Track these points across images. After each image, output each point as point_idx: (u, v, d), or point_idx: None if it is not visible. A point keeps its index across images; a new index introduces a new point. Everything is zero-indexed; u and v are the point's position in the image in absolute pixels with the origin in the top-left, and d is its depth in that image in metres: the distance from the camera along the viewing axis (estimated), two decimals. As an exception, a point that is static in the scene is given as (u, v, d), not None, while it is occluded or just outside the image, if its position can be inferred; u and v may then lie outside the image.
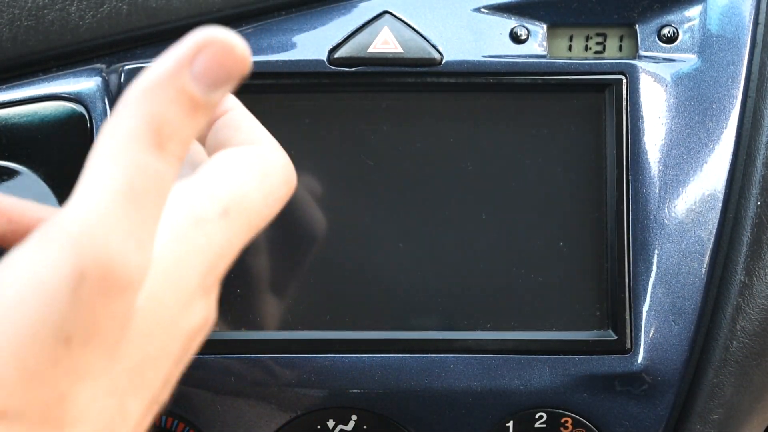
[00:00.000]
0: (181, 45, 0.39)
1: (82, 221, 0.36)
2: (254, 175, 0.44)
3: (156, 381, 0.40)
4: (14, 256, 0.37)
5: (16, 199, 0.47)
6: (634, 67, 0.68)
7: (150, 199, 0.37)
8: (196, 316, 0.42)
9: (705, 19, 0.69)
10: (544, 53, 0.69)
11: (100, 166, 0.37)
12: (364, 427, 0.68)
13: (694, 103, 0.68)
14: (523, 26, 0.69)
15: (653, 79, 0.68)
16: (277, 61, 0.68)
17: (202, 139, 0.50)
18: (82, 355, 0.36)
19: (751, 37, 0.69)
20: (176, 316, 0.40)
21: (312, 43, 0.68)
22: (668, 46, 0.69)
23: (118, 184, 0.37)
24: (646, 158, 0.67)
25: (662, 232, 0.67)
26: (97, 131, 0.68)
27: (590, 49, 0.70)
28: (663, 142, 0.68)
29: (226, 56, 0.39)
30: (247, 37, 0.69)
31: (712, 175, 0.68)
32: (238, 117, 0.49)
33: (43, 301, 0.36)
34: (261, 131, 0.48)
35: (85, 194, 0.37)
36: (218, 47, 0.39)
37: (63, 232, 0.36)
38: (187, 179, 0.43)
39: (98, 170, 0.37)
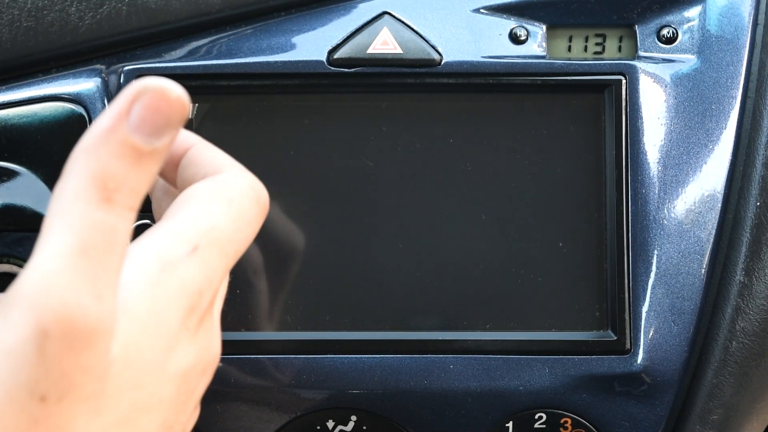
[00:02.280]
0: (117, 98, 0.40)
1: (38, 282, 0.37)
2: (219, 204, 0.44)
3: (152, 428, 0.40)
4: None
5: None
6: (633, 68, 0.68)
7: (103, 252, 0.38)
8: (185, 358, 0.42)
9: (704, 20, 0.69)
10: (544, 54, 0.69)
11: (50, 226, 0.38)
12: (364, 427, 0.68)
13: (694, 104, 0.68)
14: (523, 27, 0.69)
15: (652, 79, 0.68)
16: (276, 62, 0.68)
17: (173, 182, 0.50)
18: (61, 412, 0.37)
19: (751, 37, 0.69)
20: (160, 361, 0.40)
21: (311, 44, 0.68)
22: (667, 46, 0.69)
23: (68, 241, 0.38)
24: (646, 159, 0.67)
25: (662, 233, 0.67)
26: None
27: (589, 49, 0.70)
28: (662, 142, 0.68)
29: (161, 102, 0.40)
30: (246, 37, 0.70)
31: (711, 175, 0.68)
32: (199, 152, 0.49)
33: (11, 364, 0.36)
34: (223, 159, 0.48)
35: (39, 256, 0.38)
36: (152, 95, 0.40)
37: (20, 295, 0.37)
38: (155, 225, 0.43)
39: (49, 231, 0.38)
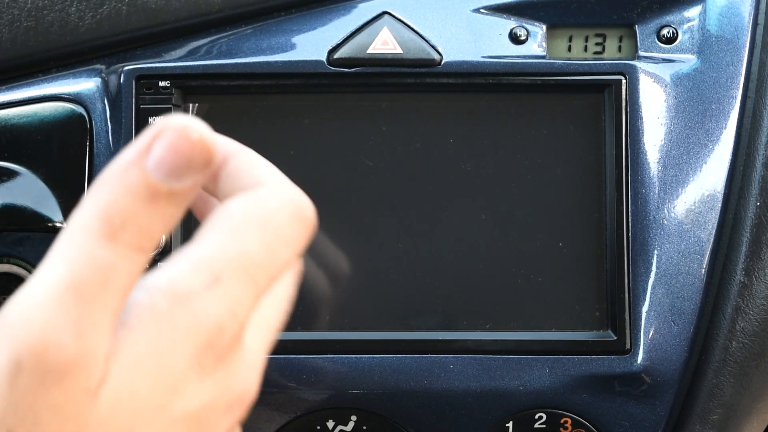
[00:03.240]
0: (142, 133, 0.39)
1: (21, 310, 0.36)
2: (252, 225, 0.41)
3: None
4: None
5: None
6: (633, 68, 0.68)
7: (95, 289, 0.37)
8: (197, 398, 0.40)
9: (704, 20, 0.69)
10: (544, 54, 0.69)
11: (49, 256, 0.37)
12: (364, 427, 0.68)
13: (694, 104, 0.68)
14: (523, 27, 0.69)
15: (652, 79, 0.68)
16: (276, 62, 0.68)
17: (215, 194, 0.46)
18: None
19: (751, 37, 0.69)
20: (162, 403, 0.38)
21: (311, 44, 0.68)
22: (667, 46, 0.69)
23: (60, 273, 0.36)
24: (646, 159, 0.67)
25: (662, 233, 0.67)
26: (96, 132, 0.68)
27: (589, 49, 0.70)
28: (662, 142, 0.68)
29: (182, 142, 0.38)
30: (246, 37, 0.70)
31: (711, 175, 0.68)
32: (239, 162, 0.45)
33: None
34: (262, 170, 0.44)
35: (30, 285, 0.37)
36: (173, 134, 0.38)
37: (2, 321, 0.36)
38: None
39: (47, 261, 0.37)
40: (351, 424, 0.68)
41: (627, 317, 0.67)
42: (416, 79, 0.68)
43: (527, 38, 0.69)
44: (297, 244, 0.42)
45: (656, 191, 0.67)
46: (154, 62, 0.69)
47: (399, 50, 0.68)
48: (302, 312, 0.68)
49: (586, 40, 0.70)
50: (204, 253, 0.40)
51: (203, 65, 0.68)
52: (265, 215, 0.42)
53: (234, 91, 0.68)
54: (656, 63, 0.69)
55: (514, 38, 0.69)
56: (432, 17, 0.69)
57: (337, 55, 0.68)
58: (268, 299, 0.43)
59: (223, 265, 0.40)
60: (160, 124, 0.38)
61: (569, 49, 0.70)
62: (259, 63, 0.68)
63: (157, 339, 0.38)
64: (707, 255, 0.67)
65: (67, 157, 0.67)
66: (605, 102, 0.68)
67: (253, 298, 0.41)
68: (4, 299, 0.68)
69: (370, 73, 0.68)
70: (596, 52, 0.70)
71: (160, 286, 0.39)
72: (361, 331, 0.68)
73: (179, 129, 0.38)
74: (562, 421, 0.68)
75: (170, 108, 0.67)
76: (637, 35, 0.69)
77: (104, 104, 0.68)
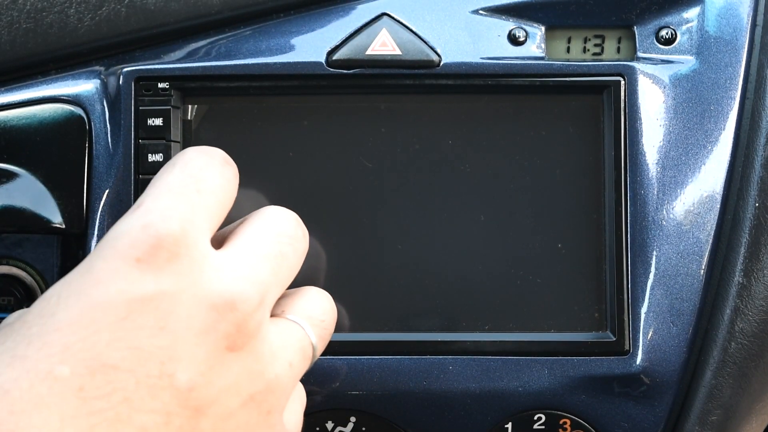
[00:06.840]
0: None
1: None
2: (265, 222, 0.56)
3: None
4: None
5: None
6: (632, 69, 0.68)
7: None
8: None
9: (703, 21, 0.69)
10: (543, 55, 0.69)
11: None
12: (363, 428, 0.68)
13: (693, 105, 0.68)
14: (522, 28, 0.69)
15: (651, 80, 0.68)
16: (275, 63, 0.68)
17: None
18: None
19: (749, 38, 0.69)
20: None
21: (310, 45, 0.68)
22: (666, 47, 0.69)
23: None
24: (645, 160, 0.67)
25: (661, 234, 0.67)
26: (95, 133, 0.68)
27: (588, 50, 0.70)
28: (661, 143, 0.68)
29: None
30: (245, 39, 0.70)
31: (710, 176, 0.68)
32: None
33: None
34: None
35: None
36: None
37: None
38: None
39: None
40: (350, 426, 0.68)
41: (626, 318, 0.67)
42: (415, 80, 0.68)
43: (526, 39, 0.69)
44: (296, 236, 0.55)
45: (655, 192, 0.67)
46: (153, 64, 0.69)
47: (398, 51, 0.68)
48: (301, 313, 0.68)
49: (585, 41, 0.70)
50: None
51: (202, 67, 0.68)
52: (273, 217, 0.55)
53: (233, 93, 0.68)
54: (655, 64, 0.69)
55: (513, 39, 0.69)
56: (431, 18, 0.69)
57: (336, 57, 0.68)
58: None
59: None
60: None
61: (568, 50, 0.70)
62: (258, 64, 0.68)
63: None
64: (706, 256, 0.67)
65: (66, 159, 0.67)
66: (604, 103, 0.68)
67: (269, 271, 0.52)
68: (4, 301, 0.68)
69: (369, 75, 0.68)
70: (595, 54, 0.70)
71: None
72: (361, 332, 0.68)
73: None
74: (561, 422, 0.68)
75: (169, 109, 0.67)
76: (636, 36, 0.69)
77: (103, 106, 0.68)
